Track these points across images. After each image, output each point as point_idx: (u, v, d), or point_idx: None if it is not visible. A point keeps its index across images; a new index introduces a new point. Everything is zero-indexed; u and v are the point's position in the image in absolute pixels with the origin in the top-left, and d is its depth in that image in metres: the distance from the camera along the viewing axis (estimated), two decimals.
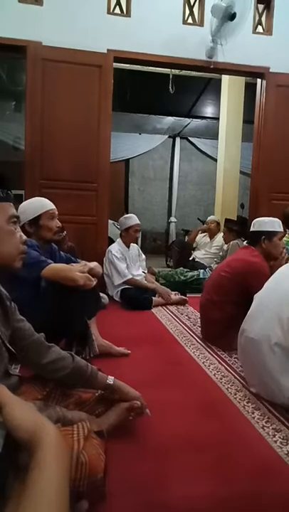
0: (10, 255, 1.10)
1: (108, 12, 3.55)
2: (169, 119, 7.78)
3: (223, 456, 1.32)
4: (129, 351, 2.20)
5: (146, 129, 8.12)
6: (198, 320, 2.71)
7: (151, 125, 8.02)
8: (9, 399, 0.59)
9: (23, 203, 2.10)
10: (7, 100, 6.76)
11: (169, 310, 3.30)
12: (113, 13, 3.57)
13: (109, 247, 3.52)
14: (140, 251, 3.81)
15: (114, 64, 3.59)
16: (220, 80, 5.60)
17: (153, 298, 3.38)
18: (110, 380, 1.38)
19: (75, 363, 1.33)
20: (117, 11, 3.59)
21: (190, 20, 3.78)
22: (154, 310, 3.27)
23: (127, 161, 8.64)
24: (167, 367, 2.10)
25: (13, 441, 0.56)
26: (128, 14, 3.59)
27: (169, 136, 8.48)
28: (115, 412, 1.36)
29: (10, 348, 1.16)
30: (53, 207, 2.07)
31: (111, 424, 1.32)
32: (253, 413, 1.61)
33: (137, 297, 3.31)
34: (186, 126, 7.95)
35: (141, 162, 8.82)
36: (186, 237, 5.99)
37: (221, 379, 1.95)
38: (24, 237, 1.15)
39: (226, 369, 2.07)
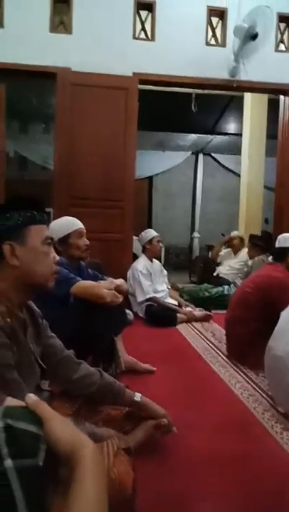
0: (44, 275, 1.15)
1: (134, 37, 3.69)
2: (192, 136, 7.88)
3: (250, 477, 1.31)
4: (155, 368, 2.21)
5: (169, 146, 8.25)
6: (224, 337, 2.70)
7: (174, 142, 8.14)
8: (50, 414, 0.62)
9: (54, 222, 2.18)
10: (37, 122, 7.04)
11: (194, 327, 3.29)
12: (138, 38, 3.71)
13: (134, 264, 3.57)
14: (162, 267, 3.84)
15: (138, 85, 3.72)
16: (242, 96, 5.66)
17: (177, 315, 3.38)
18: (137, 397, 1.40)
19: (103, 379, 1.36)
20: (142, 36, 3.72)
21: (213, 42, 3.87)
22: (178, 327, 3.28)
23: (150, 178, 8.77)
24: (192, 384, 2.10)
25: (53, 455, 0.59)
26: (153, 38, 3.72)
27: (192, 153, 8.57)
28: (142, 429, 1.38)
29: (41, 363, 1.21)
30: (82, 226, 2.14)
31: (138, 441, 1.34)
32: (281, 433, 1.59)
33: (161, 314, 3.32)
34: (209, 142, 8.02)
35: (164, 179, 8.93)
36: (210, 253, 5.97)
37: (248, 398, 1.93)
38: (57, 257, 1.21)
39: (253, 388, 2.05)
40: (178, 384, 2.09)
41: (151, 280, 3.51)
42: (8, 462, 0.54)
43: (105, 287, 1.92)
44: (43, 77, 3.69)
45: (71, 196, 3.62)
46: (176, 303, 3.62)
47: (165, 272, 3.83)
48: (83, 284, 1.91)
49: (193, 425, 1.62)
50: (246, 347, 2.33)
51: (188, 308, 3.55)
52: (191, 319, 3.40)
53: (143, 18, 3.72)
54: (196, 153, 8.60)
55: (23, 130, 7.28)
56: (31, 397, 0.65)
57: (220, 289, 4.09)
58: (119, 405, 1.41)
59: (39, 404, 0.64)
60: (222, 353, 2.60)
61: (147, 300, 3.40)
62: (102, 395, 1.36)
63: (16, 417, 0.60)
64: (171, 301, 3.60)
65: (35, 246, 1.12)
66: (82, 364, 1.36)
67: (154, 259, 3.68)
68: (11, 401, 0.74)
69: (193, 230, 8.73)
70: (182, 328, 3.24)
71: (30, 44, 3.48)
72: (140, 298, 3.41)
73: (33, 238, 1.11)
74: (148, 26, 3.73)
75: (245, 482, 1.29)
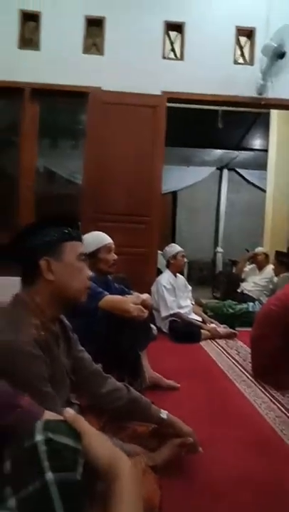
0: (78, 290, 1.18)
1: (163, 57, 3.78)
2: (217, 152, 7.91)
3: (276, 500, 1.28)
4: (179, 385, 2.20)
5: (194, 161, 8.30)
6: (249, 355, 2.66)
7: (199, 158, 8.19)
8: (88, 429, 0.64)
9: (83, 236, 2.22)
10: (66, 138, 7.26)
11: (218, 344, 3.25)
12: (168, 58, 3.80)
13: (158, 279, 3.59)
14: (186, 282, 3.84)
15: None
16: (269, 112, 5.66)
17: (201, 331, 3.36)
18: (164, 414, 1.40)
19: (130, 394, 1.37)
20: (172, 55, 3.82)
21: (241, 60, 3.92)
22: (202, 343, 3.25)
23: (174, 192, 8.82)
24: (217, 403, 2.08)
25: (90, 470, 0.61)
26: (182, 58, 3.80)
27: (217, 168, 8.58)
28: (168, 447, 1.37)
29: (71, 377, 1.24)
30: (111, 241, 2.19)
31: (164, 459, 1.33)
32: None
33: (185, 330, 3.31)
34: (234, 158, 8.03)
35: (188, 193, 8.96)
36: (234, 268, 5.92)
37: (275, 419, 1.89)
38: (90, 273, 1.24)
39: (279, 409, 2.01)
40: (202, 402, 2.07)
41: (175, 295, 3.51)
42: (49, 475, 0.57)
43: (132, 302, 1.95)
44: (75, 97, 3.82)
45: (98, 211, 3.70)
46: (200, 319, 3.59)
47: (189, 287, 3.82)
48: (111, 299, 1.94)
49: (218, 444, 1.60)
50: (272, 366, 2.29)
51: (213, 325, 3.52)
52: (215, 336, 3.37)
53: (172, 39, 3.82)
54: (220, 169, 8.61)
55: (53, 146, 7.50)
56: (69, 412, 0.68)
57: (244, 305, 4.04)
58: (146, 422, 1.41)
59: (77, 418, 0.66)
60: (247, 371, 2.55)
61: (171, 315, 3.40)
62: (128, 410, 1.37)
63: (56, 431, 0.62)
64: (195, 317, 3.58)
65: (70, 262, 1.16)
66: (109, 379, 1.38)
67: (178, 274, 3.69)
68: (49, 414, 0.76)
69: (216, 244, 8.68)
70: (206, 345, 3.21)
71: (64, 65, 3.63)
72: (164, 313, 3.41)
73: (68, 254, 1.15)
74: (177, 46, 3.82)
75: (272, 503, 1.26)
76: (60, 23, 3.65)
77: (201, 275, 8.46)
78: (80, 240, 1.23)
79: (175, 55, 3.83)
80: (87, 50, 3.69)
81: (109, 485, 0.57)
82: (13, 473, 0.58)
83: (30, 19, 3.64)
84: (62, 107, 5.83)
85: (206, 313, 3.86)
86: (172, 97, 3.77)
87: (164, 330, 3.41)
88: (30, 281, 1.14)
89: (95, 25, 3.70)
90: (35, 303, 1.12)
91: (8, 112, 6.64)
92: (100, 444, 0.63)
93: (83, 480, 0.60)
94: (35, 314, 1.09)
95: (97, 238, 2.18)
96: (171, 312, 3.39)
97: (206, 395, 2.17)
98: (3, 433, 0.64)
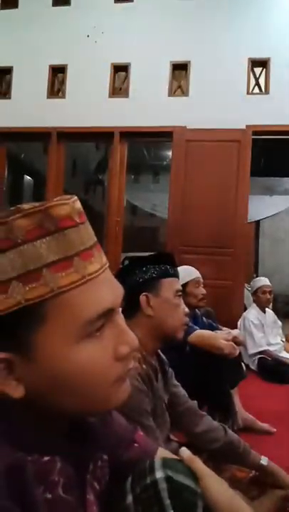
0: (175, 326, 1.21)
1: (248, 93, 3.84)
2: None
3: None
4: (275, 430, 2.05)
5: (277, 190, 8.08)
6: None
7: (282, 187, 7.96)
8: (206, 471, 0.64)
9: None
10: (148, 173, 7.63)
11: None
12: (252, 93, 3.85)
13: (245, 314, 3.47)
14: (276, 317, 3.64)
15: None
16: None
17: None
18: (264, 460, 1.32)
19: (228, 436, 1.32)
20: (256, 90, 3.85)
21: None
22: None
23: (257, 222, 8.61)
24: None
25: None
26: (266, 92, 3.82)
27: None
28: (270, 498, 1.27)
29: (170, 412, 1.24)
30: (199, 275, 2.20)
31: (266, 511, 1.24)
32: None
33: (276, 369, 3.11)
34: None
35: (272, 223, 8.68)
36: None
37: None
38: (186, 309, 1.26)
39: None
40: None
41: (263, 331, 3.35)
42: None
43: (223, 338, 1.91)
44: (160, 136, 4.03)
45: (183, 243, 3.76)
46: None
47: (279, 323, 3.63)
48: (201, 334, 1.92)
49: None
50: None
51: None
52: None
53: (256, 74, 3.86)
54: None
55: (136, 181, 7.92)
56: (185, 452, 0.68)
57: None
58: (243, 466, 1.34)
59: (194, 459, 0.67)
60: None
61: (260, 353, 3.23)
62: (225, 453, 1.31)
63: (175, 470, 0.63)
64: (287, 356, 3.36)
65: (168, 298, 1.19)
66: (205, 417, 1.35)
67: (267, 309, 3.53)
68: (162, 452, 0.78)
69: None
70: None
71: (151, 109, 3.88)
72: (252, 350, 3.26)
73: (166, 291, 1.19)
74: (262, 81, 3.85)
75: None
76: (147, 70, 3.94)
77: (287, 309, 7.97)
78: (177, 276, 1.26)
79: (260, 89, 3.85)
80: (172, 92, 3.91)
81: None
82: (135, 508, 0.60)
83: (120, 70, 4.00)
84: (147, 145, 6.18)
85: None
86: (257, 130, 3.77)
87: (253, 367, 3.25)
88: (131, 314, 1.19)
89: (180, 69, 3.92)
90: (136, 336, 1.16)
91: (95, 153, 7.25)
92: (218, 487, 0.62)
93: None
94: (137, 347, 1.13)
95: (185, 272, 2.20)
96: (260, 349, 3.23)
97: None
98: (122, 468, 0.67)
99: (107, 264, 0.53)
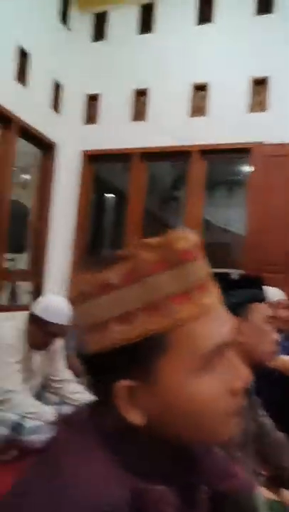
0: (265, 353, 1.17)
1: None
2: None
3: None
4: None
5: None
6: None
7: None
8: None
9: None
10: (222, 188, 7.57)
11: None
12: None
13: None
14: None
15: None
16: None
17: None
18: None
19: None
20: None
21: None
22: None
23: None
24: None
25: None
26: None
27: None
28: None
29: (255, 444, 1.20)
30: (284, 297, 2.10)
31: None
32: None
33: None
34: None
35: None
36: None
37: None
38: (277, 336, 1.22)
39: None
40: None
41: None
42: None
43: None
44: (237, 152, 3.98)
45: (261, 262, 3.63)
46: None
47: None
48: (287, 359, 1.83)
49: None
50: None
51: None
52: None
53: None
54: None
55: (209, 196, 7.89)
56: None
57: None
58: None
59: None
60: None
61: None
62: None
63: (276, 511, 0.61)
64: None
65: (257, 323, 1.16)
66: None
67: None
68: (263, 491, 0.75)
69: None
70: None
71: (229, 126, 3.86)
72: None
73: (255, 315, 1.16)
74: None
75: None
76: (226, 88, 3.94)
77: None
78: (266, 302, 1.23)
79: None
80: (251, 109, 3.85)
81: None
82: None
83: (200, 89, 4.05)
84: (223, 161, 6.15)
85: None
86: None
87: None
88: None
89: (259, 84, 3.86)
90: None
91: (170, 170, 7.38)
92: None
93: None
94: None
95: (270, 293, 2.13)
96: None
97: None
98: (217, 498, 0.66)
99: (221, 298, 0.54)
